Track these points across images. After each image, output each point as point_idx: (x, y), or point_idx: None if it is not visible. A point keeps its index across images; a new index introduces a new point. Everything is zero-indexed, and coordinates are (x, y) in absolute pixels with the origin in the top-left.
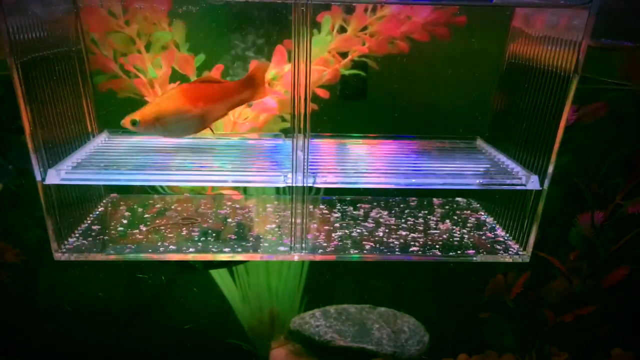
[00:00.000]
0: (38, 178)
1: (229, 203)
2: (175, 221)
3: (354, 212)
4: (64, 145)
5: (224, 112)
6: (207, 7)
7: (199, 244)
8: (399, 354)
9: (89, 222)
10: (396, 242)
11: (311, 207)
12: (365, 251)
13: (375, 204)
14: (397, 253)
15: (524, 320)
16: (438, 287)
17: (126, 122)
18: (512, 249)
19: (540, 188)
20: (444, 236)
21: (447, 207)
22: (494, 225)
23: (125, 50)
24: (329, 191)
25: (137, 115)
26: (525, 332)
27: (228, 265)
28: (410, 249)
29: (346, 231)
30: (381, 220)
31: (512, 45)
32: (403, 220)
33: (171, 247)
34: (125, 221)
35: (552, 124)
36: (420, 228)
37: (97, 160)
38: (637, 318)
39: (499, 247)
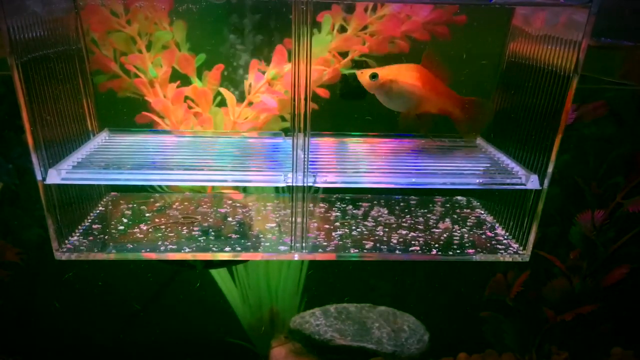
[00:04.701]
0: (39, 177)
1: (229, 202)
2: (175, 220)
3: (354, 211)
4: (65, 144)
5: (432, 109)
6: (208, 6)
7: (199, 243)
8: (399, 352)
9: (89, 221)
10: (396, 241)
11: (311, 205)
12: (365, 250)
13: (375, 202)
14: (397, 252)
15: (524, 319)
16: (438, 286)
17: (365, 73)
18: (512, 248)
19: (540, 187)
20: (444, 235)
21: (447, 205)
22: (494, 224)
23: (126, 50)
24: (328, 190)
25: (378, 70)
26: (525, 331)
27: (228, 264)
28: (410, 248)
29: (346, 230)
30: (381, 219)
31: (512, 44)
32: (403, 219)
33: (171, 246)
34: (125, 220)
35: (552, 124)
36: (421, 227)
37: (97, 160)
38: (637, 317)
39: (499, 246)
